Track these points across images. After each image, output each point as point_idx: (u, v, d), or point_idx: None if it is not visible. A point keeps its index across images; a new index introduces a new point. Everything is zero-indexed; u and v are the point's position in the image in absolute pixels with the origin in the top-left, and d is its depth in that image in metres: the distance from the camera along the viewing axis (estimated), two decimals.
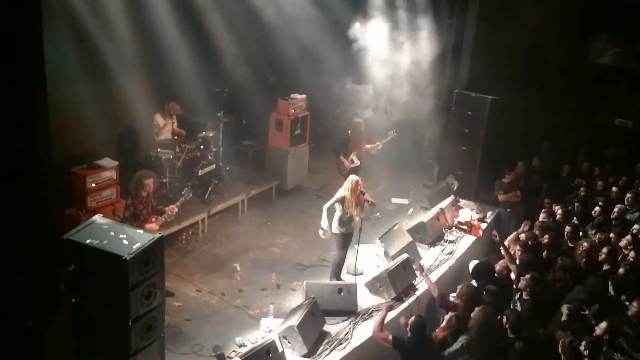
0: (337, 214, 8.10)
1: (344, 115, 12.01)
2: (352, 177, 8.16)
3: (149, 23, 9.71)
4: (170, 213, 7.75)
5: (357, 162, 10.64)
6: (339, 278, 8.32)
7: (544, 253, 8.30)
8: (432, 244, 9.40)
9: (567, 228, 8.78)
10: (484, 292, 7.12)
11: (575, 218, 9.37)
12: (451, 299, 7.34)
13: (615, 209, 9.32)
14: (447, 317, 6.52)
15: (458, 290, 6.94)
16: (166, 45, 10.05)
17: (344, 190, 8.05)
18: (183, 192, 8.12)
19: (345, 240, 8.25)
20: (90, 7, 8.79)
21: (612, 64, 12.78)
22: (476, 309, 6.33)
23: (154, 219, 7.59)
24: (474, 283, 7.54)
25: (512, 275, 7.77)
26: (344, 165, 10.49)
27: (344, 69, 11.84)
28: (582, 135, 12.13)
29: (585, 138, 12.07)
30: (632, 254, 7.96)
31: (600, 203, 9.62)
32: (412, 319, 6.41)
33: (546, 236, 8.48)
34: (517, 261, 7.93)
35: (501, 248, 8.06)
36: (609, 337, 6.13)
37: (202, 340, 7.19)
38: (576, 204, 9.95)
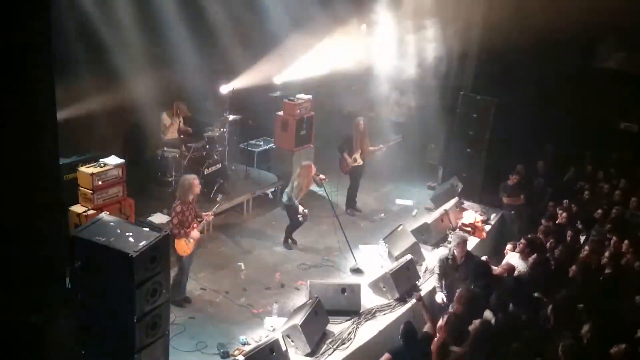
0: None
1: (349, 116, 12.04)
2: (304, 163, 9.38)
3: (156, 22, 9.77)
4: (208, 220, 7.84)
5: (359, 162, 10.77)
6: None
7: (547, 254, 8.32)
8: (436, 245, 9.43)
9: (569, 232, 8.80)
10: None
11: (578, 222, 9.36)
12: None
13: (614, 211, 9.32)
14: (445, 317, 6.50)
15: (457, 294, 6.95)
16: (173, 44, 10.10)
17: (296, 177, 9.33)
18: (218, 199, 8.16)
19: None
20: (98, 6, 8.84)
21: (618, 67, 12.76)
22: (475, 322, 6.32)
23: (195, 225, 7.66)
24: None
25: None
26: (346, 163, 10.61)
27: (350, 71, 11.86)
28: (588, 139, 12.11)
29: (591, 141, 12.05)
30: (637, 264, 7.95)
31: (605, 207, 9.62)
32: (402, 327, 6.41)
33: (550, 239, 8.51)
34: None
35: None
36: None
37: (206, 338, 7.24)
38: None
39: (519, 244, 8.32)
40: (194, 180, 7.60)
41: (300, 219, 9.35)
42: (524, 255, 8.16)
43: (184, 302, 7.86)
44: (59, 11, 7.81)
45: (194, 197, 7.70)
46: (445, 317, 6.43)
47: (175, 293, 7.75)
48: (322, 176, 9.42)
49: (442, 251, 8.48)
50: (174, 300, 7.71)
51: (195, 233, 7.64)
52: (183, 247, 7.57)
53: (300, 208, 9.27)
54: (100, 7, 8.92)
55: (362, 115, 11.17)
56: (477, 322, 6.36)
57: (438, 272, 8.03)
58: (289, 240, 9.63)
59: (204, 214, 7.87)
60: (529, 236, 8.56)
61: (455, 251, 7.93)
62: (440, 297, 7.84)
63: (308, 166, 9.35)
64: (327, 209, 9.69)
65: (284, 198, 9.43)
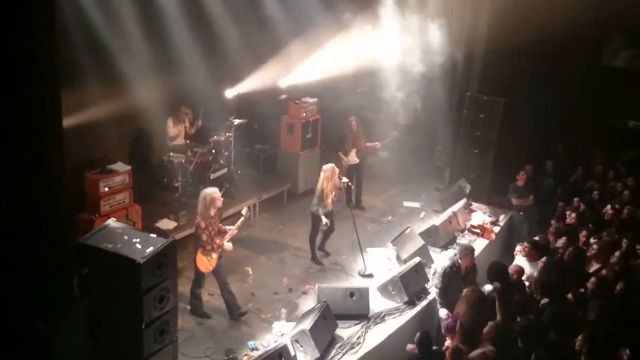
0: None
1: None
2: (325, 167, 8.97)
3: (161, 28, 9.77)
4: (233, 235, 7.71)
5: (356, 160, 10.90)
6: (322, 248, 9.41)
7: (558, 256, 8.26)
8: (445, 247, 9.38)
9: (583, 232, 8.73)
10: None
11: (590, 222, 9.28)
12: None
13: (625, 210, 9.24)
14: (457, 326, 6.43)
15: (463, 294, 6.88)
16: (178, 49, 10.10)
17: (320, 183, 8.91)
18: (243, 212, 7.96)
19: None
20: (103, 12, 8.86)
21: (626, 66, 12.70)
22: (489, 323, 6.27)
23: (218, 241, 7.53)
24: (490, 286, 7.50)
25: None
26: (342, 162, 10.66)
27: (355, 73, 11.85)
28: (596, 138, 12.05)
29: (599, 141, 11.99)
30: None
31: (616, 206, 9.55)
32: (418, 335, 6.31)
33: (560, 240, 8.44)
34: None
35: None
36: None
37: (215, 343, 7.22)
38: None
39: (524, 248, 8.23)
40: (215, 194, 7.46)
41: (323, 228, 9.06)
42: (531, 257, 8.10)
43: (206, 316, 7.78)
44: (63, 18, 7.82)
45: (216, 211, 7.57)
46: (457, 325, 6.37)
47: (196, 306, 7.75)
48: (345, 179, 9.14)
49: (442, 262, 7.99)
50: (196, 313, 7.74)
51: (228, 245, 7.53)
52: (205, 263, 7.47)
53: (324, 220, 8.86)
54: (106, 13, 8.93)
55: (368, 118, 11.19)
56: (493, 323, 6.31)
57: (440, 286, 7.72)
58: (324, 251, 9.44)
59: (227, 228, 7.71)
60: (533, 239, 8.49)
61: (460, 261, 7.76)
62: (444, 312, 7.53)
63: (329, 169, 8.96)
64: (336, 212, 9.64)
65: (313, 208, 9.05)
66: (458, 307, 6.95)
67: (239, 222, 7.84)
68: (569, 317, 6.75)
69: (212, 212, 7.48)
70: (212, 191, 7.52)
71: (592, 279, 7.46)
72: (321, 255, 9.34)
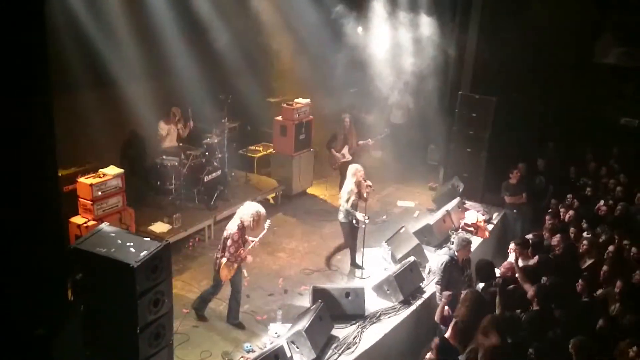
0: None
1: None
2: (350, 167, 8.68)
3: (152, 31, 9.77)
4: (255, 247, 7.62)
5: (348, 157, 10.93)
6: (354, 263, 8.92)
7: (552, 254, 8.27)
8: (439, 246, 9.38)
9: (572, 229, 8.76)
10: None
11: (584, 220, 9.30)
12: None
13: (619, 207, 9.27)
14: (451, 325, 6.41)
15: (462, 296, 6.88)
16: (170, 52, 10.11)
17: (351, 180, 8.51)
18: (265, 226, 7.76)
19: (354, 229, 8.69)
20: (94, 15, 8.85)
21: (617, 63, 12.74)
22: (490, 335, 6.24)
23: (241, 251, 7.41)
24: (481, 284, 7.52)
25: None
26: (335, 159, 10.73)
27: (348, 73, 11.85)
28: (588, 135, 12.09)
29: (591, 138, 12.03)
30: None
31: (610, 202, 9.58)
32: (436, 341, 6.13)
33: (556, 238, 8.45)
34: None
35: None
36: None
37: (211, 346, 7.20)
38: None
39: (514, 250, 8.18)
40: (264, 215, 7.33)
41: (356, 224, 8.61)
42: (523, 257, 8.09)
43: (203, 319, 7.74)
44: (55, 22, 7.80)
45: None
46: (452, 324, 6.35)
47: (200, 307, 7.72)
48: (369, 182, 8.67)
49: (441, 258, 7.96)
50: (196, 312, 7.72)
51: (249, 258, 7.45)
52: (226, 274, 7.41)
53: (360, 216, 8.51)
54: (97, 17, 8.93)
55: (361, 118, 11.19)
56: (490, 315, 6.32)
57: (442, 282, 7.64)
58: (357, 266, 8.94)
59: (249, 239, 7.60)
60: (521, 239, 8.46)
61: (457, 253, 7.76)
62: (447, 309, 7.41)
63: (353, 168, 8.64)
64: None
65: (340, 216, 8.70)
66: (457, 310, 6.94)
67: (260, 235, 7.72)
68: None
69: (252, 228, 7.33)
70: (264, 212, 7.37)
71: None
72: (353, 270, 8.95)
